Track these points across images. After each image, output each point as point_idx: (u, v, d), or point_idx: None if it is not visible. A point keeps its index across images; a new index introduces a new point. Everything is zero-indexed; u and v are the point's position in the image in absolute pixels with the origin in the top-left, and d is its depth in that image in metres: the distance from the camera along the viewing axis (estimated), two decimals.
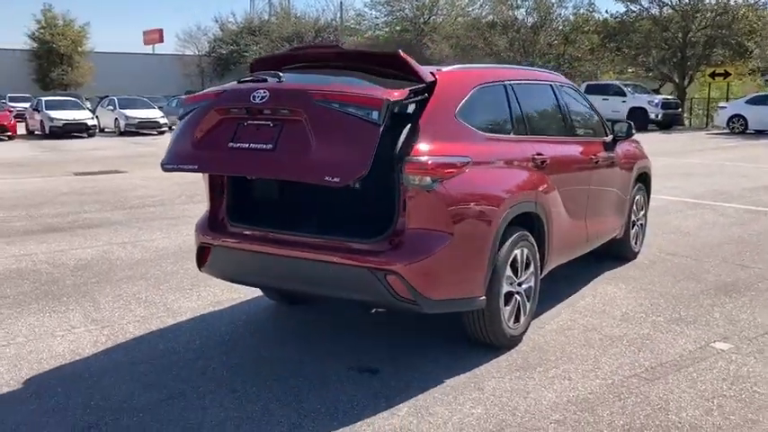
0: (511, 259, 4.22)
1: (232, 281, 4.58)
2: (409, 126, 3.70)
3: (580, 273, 6.03)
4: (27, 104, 31.63)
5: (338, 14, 50.23)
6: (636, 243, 6.66)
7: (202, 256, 4.37)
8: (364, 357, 4.17)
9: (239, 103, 3.84)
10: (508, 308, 4.25)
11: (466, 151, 3.91)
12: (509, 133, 4.46)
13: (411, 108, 3.77)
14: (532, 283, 4.52)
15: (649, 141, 22.20)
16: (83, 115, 26.35)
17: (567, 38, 35.56)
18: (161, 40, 58.01)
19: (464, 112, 4.04)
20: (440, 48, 39.44)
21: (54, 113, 25.66)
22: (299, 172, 3.60)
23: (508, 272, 4.20)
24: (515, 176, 4.30)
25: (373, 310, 4.86)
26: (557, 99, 5.23)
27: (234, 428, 3.31)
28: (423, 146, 3.67)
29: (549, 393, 3.71)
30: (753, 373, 3.98)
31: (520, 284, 4.40)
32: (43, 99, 27.63)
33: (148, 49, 58.63)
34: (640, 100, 28.04)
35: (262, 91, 3.72)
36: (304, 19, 54.42)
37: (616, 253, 6.47)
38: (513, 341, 4.36)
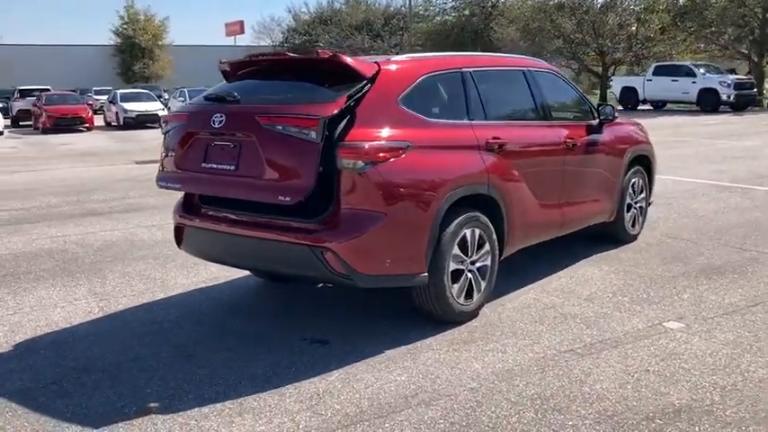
0: (459, 239, 4.43)
1: (203, 259, 4.98)
2: (348, 115, 3.98)
3: (568, 254, 6.14)
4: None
5: (407, 0, 50.24)
6: (633, 226, 6.67)
7: (179, 235, 4.80)
8: (320, 330, 4.48)
9: (203, 128, 4.32)
10: (457, 285, 4.46)
11: (406, 136, 4.14)
12: (462, 119, 4.64)
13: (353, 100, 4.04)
14: (488, 263, 4.70)
15: (714, 123, 21.67)
16: (155, 106, 27.69)
17: (638, 18, 34.43)
18: (242, 32, 59.27)
19: (409, 100, 4.28)
20: (507, 32, 39.00)
21: (128, 105, 27.09)
22: (257, 192, 4.08)
23: (455, 251, 4.41)
24: (462, 160, 4.48)
25: (320, 285, 5.20)
26: (528, 84, 5.35)
27: (175, 387, 3.69)
28: (357, 132, 3.95)
29: (477, 365, 3.92)
30: (688, 350, 4.06)
31: (474, 263, 4.60)
32: (118, 92, 29.21)
33: (230, 41, 60.31)
34: (711, 81, 26.99)
35: (219, 115, 4.18)
36: (374, 6, 54.83)
37: (609, 236, 6.52)
38: (464, 316, 4.57)
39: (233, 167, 4.17)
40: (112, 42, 54.19)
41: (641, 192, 6.75)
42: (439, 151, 4.36)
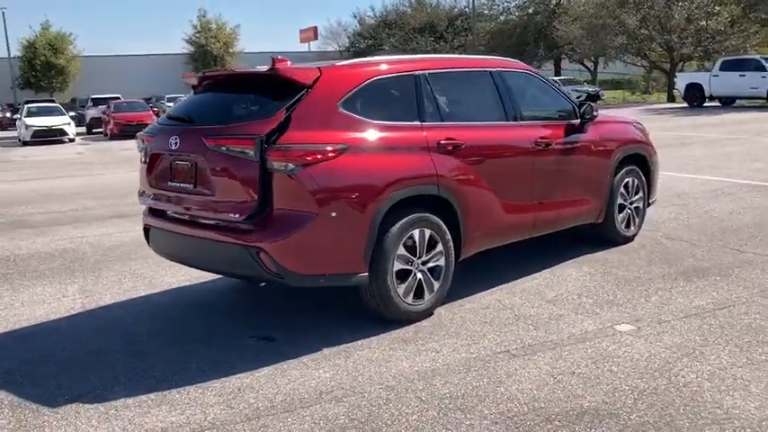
0: (406, 239, 4.48)
1: (167, 259, 5.20)
2: (282, 118, 4.11)
3: (554, 254, 6.08)
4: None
5: (471, 1, 49.96)
6: (628, 227, 6.52)
7: (146, 235, 5.04)
8: (272, 328, 4.62)
9: (165, 149, 4.60)
10: (404, 285, 4.51)
11: (343, 139, 4.23)
12: (413, 121, 4.68)
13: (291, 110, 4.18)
14: (442, 263, 4.73)
15: None
16: None
17: (706, 11, 33.11)
18: (315, 38, 60.16)
19: (351, 103, 4.37)
20: (570, 29, 38.26)
21: None
22: (212, 211, 4.33)
23: (401, 251, 4.47)
24: (408, 161, 4.52)
25: (262, 284, 5.36)
26: (495, 86, 5.33)
27: (113, 379, 3.91)
28: (289, 135, 4.08)
29: (405, 363, 3.97)
30: (627, 353, 3.98)
31: (425, 263, 4.64)
32: (181, 98, 30.31)
33: (303, 47, 61.19)
34: None
35: (175, 137, 4.45)
36: (439, 8, 54.79)
37: (599, 237, 6.40)
38: (414, 316, 4.61)
39: (191, 186, 4.43)
40: (186, 51, 56.11)
41: (637, 192, 6.58)
42: (381, 153, 4.42)
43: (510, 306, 4.89)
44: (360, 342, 4.31)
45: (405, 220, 4.47)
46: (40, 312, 5.20)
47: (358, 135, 4.33)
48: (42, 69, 50.12)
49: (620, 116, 7.69)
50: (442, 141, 4.72)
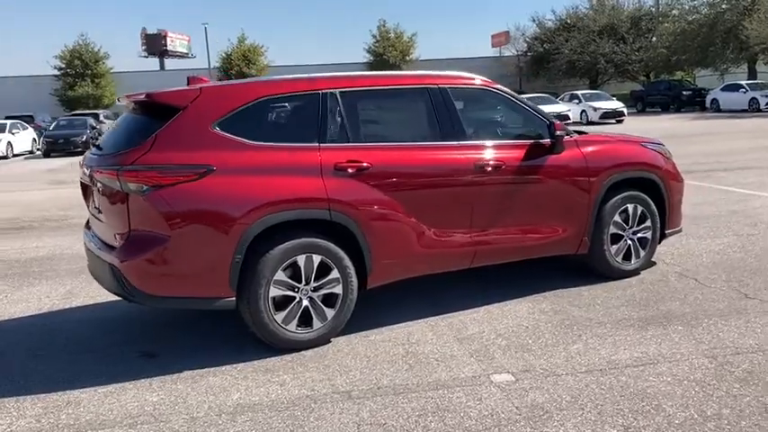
0: (287, 264, 4.35)
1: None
2: (149, 143, 4.19)
3: (526, 286, 5.59)
4: None
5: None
6: (627, 260, 5.76)
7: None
8: (160, 345, 4.71)
9: (84, 177, 4.83)
10: (283, 312, 4.38)
11: (210, 160, 4.20)
12: (311, 141, 4.52)
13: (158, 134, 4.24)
14: (338, 291, 4.52)
15: None
16: None
17: None
18: (507, 42, 59.15)
19: (228, 124, 4.33)
20: (763, 28, 34.35)
21: None
22: (106, 235, 4.53)
23: (280, 276, 4.34)
24: (291, 184, 4.35)
25: None
26: (432, 104, 4.97)
27: (14, 375, 4.23)
28: (146, 157, 4.13)
29: (237, 395, 3.85)
30: (470, 408, 3.54)
31: (316, 290, 4.47)
32: None
33: (477, 53, 60.70)
34: None
35: (86, 167, 4.67)
36: (621, 9, 51.81)
37: (590, 268, 5.73)
38: (302, 345, 4.45)
39: (101, 214, 4.60)
40: (365, 60, 58.24)
41: (642, 221, 5.80)
42: (255, 175, 4.30)
43: (413, 341, 4.56)
44: (223, 367, 4.25)
45: (286, 244, 4.33)
46: (12, 310, 5.73)
47: (231, 156, 4.27)
48: (236, 79, 54.65)
49: (628, 135, 6.77)
50: (342, 163, 4.51)
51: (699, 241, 6.97)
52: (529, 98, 30.52)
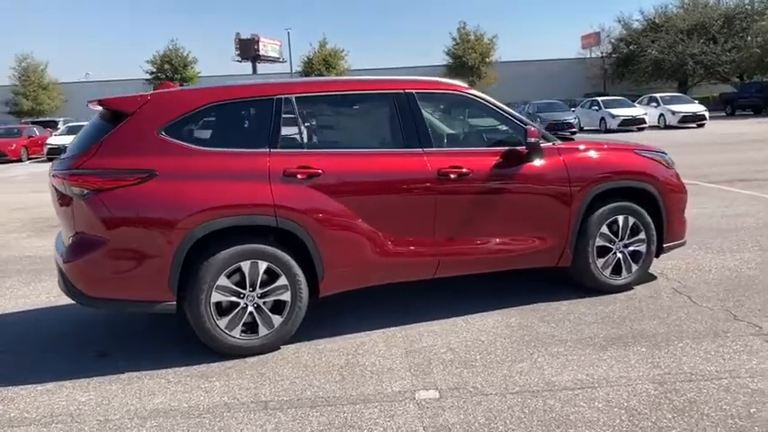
0: (231, 270, 4.35)
1: None
2: (96, 147, 4.28)
3: (501, 298, 5.40)
4: None
5: None
6: (617, 273, 5.44)
7: None
8: (118, 345, 4.81)
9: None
10: (227, 318, 4.37)
11: (152, 165, 4.24)
12: (261, 147, 4.49)
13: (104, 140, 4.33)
14: (286, 298, 4.48)
15: None
16: None
17: None
18: (598, 43, 57.28)
19: (174, 129, 4.37)
20: None
21: None
22: (64, 239, 4.57)
23: (224, 282, 4.33)
24: (235, 189, 4.32)
25: None
26: (397, 110, 4.84)
27: None
28: (90, 162, 4.22)
29: (160, 399, 3.87)
30: (384, 425, 3.43)
31: (262, 297, 4.44)
32: None
33: (566, 54, 59.03)
34: None
35: (52, 173, 4.69)
36: (713, 7, 49.36)
37: (575, 282, 5.46)
38: (247, 351, 4.43)
39: (59, 215, 4.72)
40: (444, 63, 57.93)
41: (635, 233, 5.46)
42: (198, 180, 4.30)
43: (361, 352, 4.46)
44: (163, 370, 4.28)
45: (229, 250, 4.33)
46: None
47: (174, 161, 4.30)
48: None
49: (623, 142, 6.36)
50: (292, 169, 4.46)
51: (716, 255, 6.51)
52: (603, 101, 29.65)
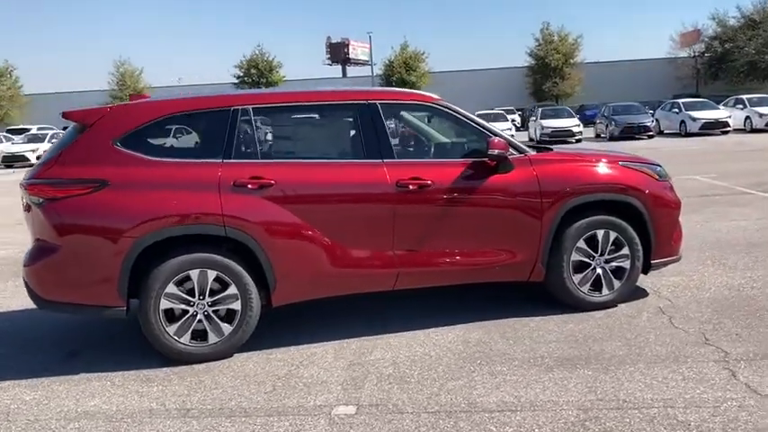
0: (180, 278, 4.46)
1: None
2: (56, 158, 4.50)
3: (469, 312, 5.29)
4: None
5: None
6: (596, 290, 5.21)
7: None
8: (90, 346, 5.02)
9: None
10: (176, 325, 4.48)
11: (104, 175, 4.40)
12: (215, 157, 4.57)
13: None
14: (236, 307, 4.55)
15: None
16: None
17: None
18: (698, 41, 54.66)
19: (130, 141, 4.52)
20: None
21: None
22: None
23: (172, 289, 4.45)
24: (183, 199, 4.42)
25: None
26: (358, 121, 4.82)
27: None
28: (48, 172, 4.44)
29: (94, 402, 4.01)
30: None
31: (212, 305, 4.53)
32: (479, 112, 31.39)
33: (663, 54, 56.68)
34: None
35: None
36: None
37: (555, 297, 5.26)
38: (198, 358, 4.52)
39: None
40: (526, 64, 56.98)
41: (618, 248, 5.21)
42: (149, 190, 4.42)
43: (305, 363, 4.46)
44: (115, 373, 4.44)
45: (178, 259, 4.44)
46: None
47: (127, 172, 4.44)
48: (397, 86, 55.85)
49: (610, 152, 6.02)
50: (242, 180, 4.53)
51: (725, 272, 6.12)
52: (684, 103, 28.14)
